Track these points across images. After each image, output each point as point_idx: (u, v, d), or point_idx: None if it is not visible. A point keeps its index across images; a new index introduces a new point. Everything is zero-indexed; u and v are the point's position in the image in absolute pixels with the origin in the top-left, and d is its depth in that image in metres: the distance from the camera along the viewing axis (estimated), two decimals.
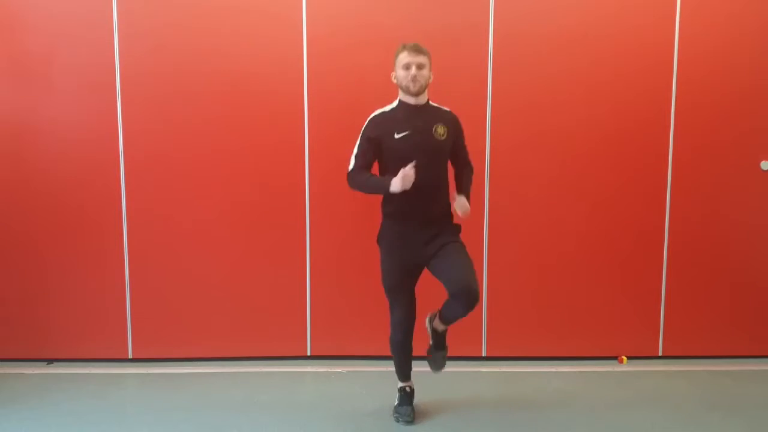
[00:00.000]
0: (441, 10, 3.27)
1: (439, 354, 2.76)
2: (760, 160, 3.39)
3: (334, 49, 3.28)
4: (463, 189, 2.72)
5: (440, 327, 2.69)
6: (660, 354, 3.49)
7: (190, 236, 3.36)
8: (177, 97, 3.29)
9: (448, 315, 2.58)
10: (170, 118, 3.30)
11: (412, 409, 2.76)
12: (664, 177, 3.39)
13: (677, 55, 3.32)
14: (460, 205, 2.60)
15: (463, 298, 2.45)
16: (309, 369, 3.36)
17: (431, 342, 2.75)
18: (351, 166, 2.61)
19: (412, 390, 2.82)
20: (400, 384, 2.82)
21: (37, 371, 3.33)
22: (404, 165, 2.45)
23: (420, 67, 2.52)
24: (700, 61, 3.32)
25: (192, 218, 3.35)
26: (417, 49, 2.53)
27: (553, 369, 3.35)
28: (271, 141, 3.32)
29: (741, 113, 3.36)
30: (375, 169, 2.66)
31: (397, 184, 2.42)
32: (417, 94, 2.56)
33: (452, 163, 2.74)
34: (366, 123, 2.62)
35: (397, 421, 2.73)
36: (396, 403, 2.80)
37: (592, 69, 3.32)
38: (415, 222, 2.59)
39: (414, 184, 2.46)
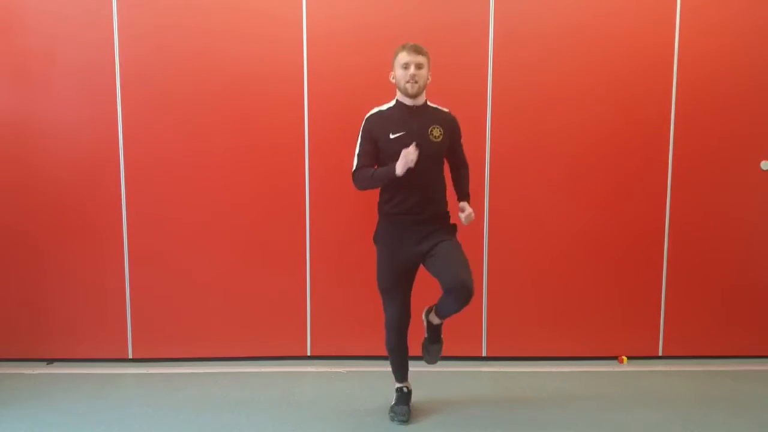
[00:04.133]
0: (441, 9, 3.27)
1: (434, 347, 2.76)
2: (760, 160, 3.40)
3: (334, 49, 3.28)
4: (465, 195, 2.73)
5: (435, 320, 2.70)
6: (660, 354, 3.49)
7: (190, 236, 3.36)
8: (177, 97, 3.29)
9: (443, 310, 2.60)
10: (170, 118, 3.30)
11: (408, 409, 2.76)
12: (664, 177, 3.39)
13: (677, 55, 3.32)
14: (466, 216, 2.59)
15: (457, 294, 2.46)
16: (309, 369, 3.36)
17: (427, 334, 2.76)
18: (355, 166, 2.63)
19: (410, 391, 2.83)
20: (397, 384, 2.82)
21: (37, 371, 3.33)
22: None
23: (419, 67, 2.53)
24: (700, 62, 3.32)
25: (192, 218, 3.35)
26: (416, 49, 2.53)
27: (553, 369, 3.35)
28: (271, 141, 3.32)
29: (741, 113, 3.36)
30: None
31: (400, 165, 2.44)
32: (415, 96, 2.57)
33: (448, 162, 2.74)
34: (364, 121, 2.63)
35: (392, 420, 2.73)
36: (393, 402, 2.80)
37: (592, 69, 3.32)
38: (410, 222, 2.59)
39: (410, 184, 2.48)
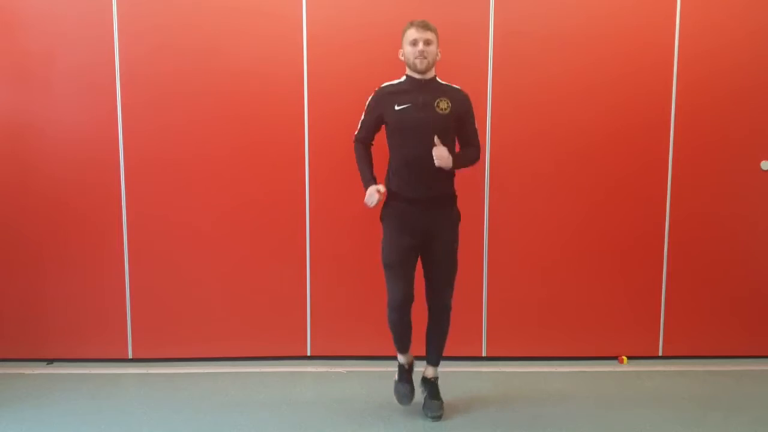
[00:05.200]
0: (441, 9, 3.27)
1: (435, 403, 2.77)
2: (760, 160, 3.40)
3: (334, 49, 3.28)
4: (455, 154, 2.65)
5: (430, 373, 2.79)
6: (660, 354, 3.49)
7: (190, 236, 3.36)
8: (177, 97, 3.29)
9: (433, 337, 2.75)
10: (170, 118, 3.30)
11: (411, 387, 2.76)
12: (664, 177, 3.39)
13: (677, 55, 3.32)
14: (438, 152, 2.53)
15: (436, 312, 2.71)
16: (309, 369, 3.36)
17: (425, 394, 2.81)
18: (357, 131, 2.75)
19: (411, 366, 2.81)
20: (400, 359, 2.80)
21: (37, 371, 3.33)
22: (403, 136, 2.58)
23: (427, 43, 2.56)
24: (700, 61, 3.32)
25: (192, 218, 3.35)
26: (425, 26, 2.57)
27: (553, 369, 3.35)
28: (271, 141, 3.32)
29: (741, 113, 3.36)
30: (382, 134, 2.72)
31: (366, 196, 2.59)
32: (424, 72, 2.59)
33: (459, 143, 2.74)
34: (373, 94, 2.70)
35: (398, 401, 2.78)
36: (395, 378, 2.81)
37: (592, 69, 3.32)
38: (419, 198, 2.60)
39: (417, 156, 2.55)
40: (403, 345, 2.78)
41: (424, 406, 2.79)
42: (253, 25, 3.27)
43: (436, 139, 2.54)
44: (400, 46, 2.64)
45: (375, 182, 2.63)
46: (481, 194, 3.35)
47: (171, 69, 3.28)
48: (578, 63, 3.31)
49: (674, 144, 3.37)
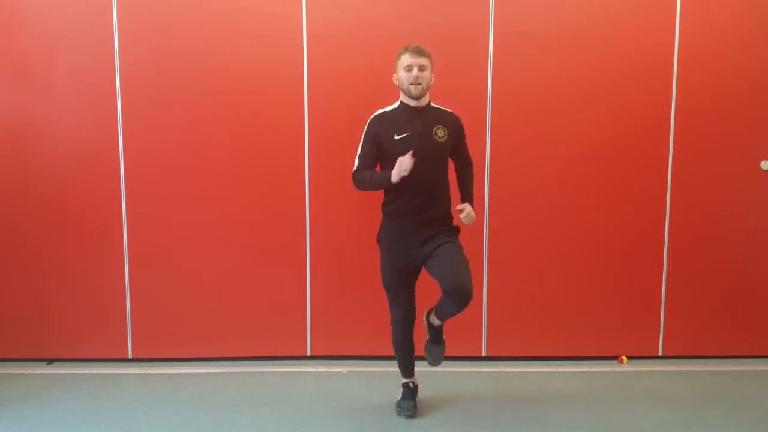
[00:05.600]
0: (441, 9, 3.27)
1: (436, 348, 2.78)
2: (760, 160, 3.39)
3: (334, 49, 3.28)
4: (468, 196, 2.73)
5: (436, 322, 2.71)
6: (660, 354, 3.49)
7: (190, 236, 3.36)
8: (177, 97, 3.29)
9: (442, 312, 2.61)
10: (170, 118, 3.30)
11: (414, 404, 2.78)
12: (664, 177, 3.39)
13: (677, 55, 3.32)
14: (466, 215, 2.58)
15: (455, 296, 2.47)
16: (309, 369, 3.36)
17: (428, 336, 2.77)
18: (355, 166, 2.65)
19: (416, 386, 2.85)
20: (404, 380, 2.84)
21: (37, 371, 3.33)
22: None
23: (422, 68, 2.54)
24: (700, 61, 3.32)
25: (192, 218, 3.35)
26: (419, 51, 2.54)
27: (553, 369, 3.35)
28: (271, 141, 3.32)
29: (741, 113, 3.36)
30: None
31: (395, 173, 2.46)
32: (418, 98, 2.58)
33: (453, 162, 2.75)
34: (368, 123, 2.64)
35: (399, 414, 2.76)
36: (399, 397, 2.82)
37: (592, 69, 3.32)
38: (414, 222, 2.60)
39: (414, 185, 2.50)
40: (407, 369, 2.81)
41: (426, 349, 2.78)
42: (253, 25, 3.27)
43: (461, 206, 2.59)
44: (395, 70, 2.61)
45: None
46: (481, 194, 3.35)
47: (171, 69, 3.28)
48: (578, 63, 3.31)
49: (674, 144, 3.37)
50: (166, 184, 3.34)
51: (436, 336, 2.75)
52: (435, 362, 2.81)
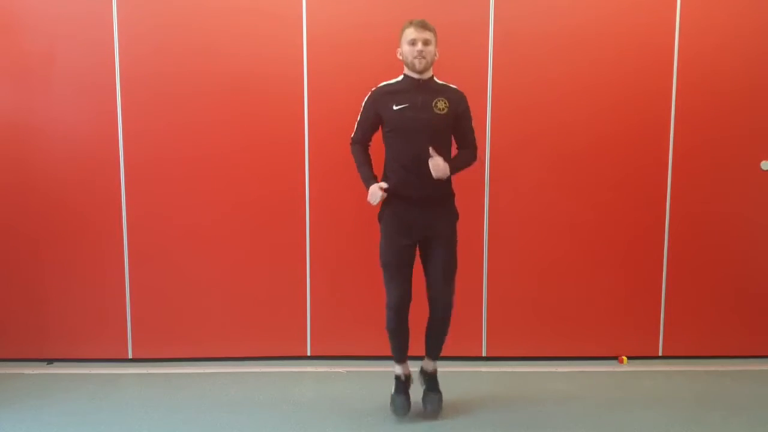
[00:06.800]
0: (441, 9, 3.27)
1: (434, 397, 2.77)
2: (760, 160, 3.40)
3: (334, 49, 3.28)
4: (450, 160, 2.65)
5: (429, 367, 2.78)
6: (660, 354, 3.49)
7: (190, 236, 3.36)
8: (177, 97, 3.29)
9: (432, 337, 2.73)
10: (170, 118, 3.30)
11: (407, 399, 2.75)
12: (664, 177, 3.39)
13: (677, 55, 3.32)
14: (434, 162, 2.51)
15: (435, 308, 2.68)
16: (309, 369, 3.36)
17: (424, 387, 2.81)
18: (354, 133, 2.73)
19: (408, 378, 2.81)
20: (396, 370, 2.79)
21: (37, 371, 3.33)
22: (401, 137, 2.58)
23: (426, 43, 2.56)
24: (700, 61, 3.32)
25: (192, 218, 3.35)
26: (423, 25, 2.57)
27: (553, 369, 3.35)
28: (271, 141, 3.32)
29: (741, 113, 3.36)
30: (378, 137, 2.71)
31: (369, 194, 2.60)
32: (422, 72, 2.59)
33: (456, 143, 2.74)
34: (370, 92, 2.69)
35: (393, 412, 2.75)
36: (392, 390, 2.80)
37: (592, 69, 3.32)
38: (414, 197, 2.60)
39: (415, 159, 2.55)
40: (400, 353, 2.77)
41: (423, 398, 2.79)
42: (253, 25, 3.27)
43: (431, 150, 2.52)
44: (398, 45, 2.64)
45: (376, 180, 2.64)
46: (481, 194, 3.35)
47: (171, 69, 3.28)
48: (578, 63, 3.31)
49: (674, 144, 3.37)
50: (166, 184, 3.34)
51: (431, 384, 2.81)
52: (434, 410, 2.75)
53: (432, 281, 2.68)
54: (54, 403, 2.93)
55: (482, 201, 3.36)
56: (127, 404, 2.93)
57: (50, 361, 3.45)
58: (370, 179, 2.65)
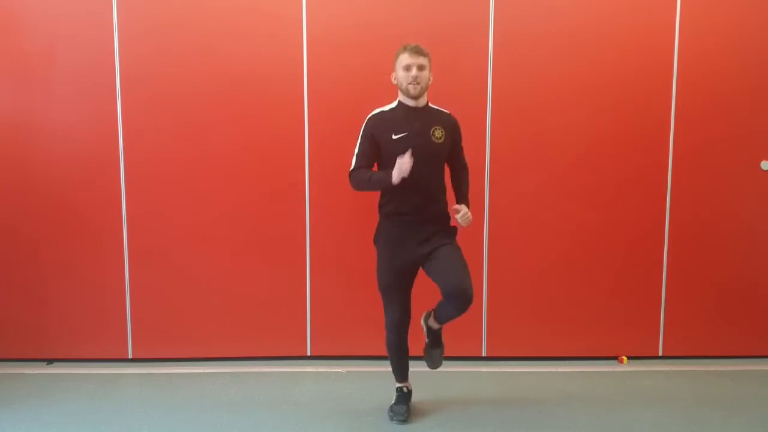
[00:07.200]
0: (441, 9, 3.27)
1: (435, 351, 2.77)
2: (760, 160, 3.40)
3: (334, 49, 3.28)
4: (464, 197, 2.72)
5: (435, 325, 2.70)
6: (660, 354, 3.49)
7: (190, 236, 3.36)
8: (177, 97, 3.29)
9: (441, 316, 2.61)
10: (170, 118, 3.30)
11: (407, 409, 2.76)
12: (664, 177, 3.39)
13: (677, 55, 3.32)
14: (462, 216, 2.56)
15: (456, 299, 2.48)
16: (309, 369, 3.36)
17: (427, 340, 2.77)
18: (352, 166, 2.63)
19: (410, 391, 2.84)
20: (398, 384, 2.82)
21: (37, 371, 3.33)
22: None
23: (420, 68, 2.52)
24: (700, 61, 3.32)
25: (192, 218, 3.35)
26: (417, 51, 2.53)
27: (553, 369, 3.35)
28: (271, 141, 3.32)
29: (741, 113, 3.36)
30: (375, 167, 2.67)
31: (395, 174, 2.43)
32: (417, 97, 2.57)
33: (449, 165, 2.73)
34: (365, 122, 2.63)
35: (392, 419, 2.73)
36: (393, 402, 2.80)
37: (592, 69, 3.32)
38: (411, 223, 2.59)
39: (411, 185, 2.48)
40: (400, 372, 2.79)
41: (426, 355, 2.79)
42: (253, 25, 3.27)
43: (456, 207, 2.57)
44: (393, 69, 2.59)
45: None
46: (481, 194, 3.35)
47: (171, 69, 3.28)
48: (578, 63, 3.31)
49: (674, 144, 3.37)
50: (166, 184, 3.34)
51: (435, 339, 2.75)
52: (435, 365, 2.80)
53: (444, 274, 2.51)
54: (54, 403, 2.93)
55: (482, 201, 3.36)
56: (127, 404, 2.93)
57: (50, 361, 3.45)
58: (386, 173, 2.50)
